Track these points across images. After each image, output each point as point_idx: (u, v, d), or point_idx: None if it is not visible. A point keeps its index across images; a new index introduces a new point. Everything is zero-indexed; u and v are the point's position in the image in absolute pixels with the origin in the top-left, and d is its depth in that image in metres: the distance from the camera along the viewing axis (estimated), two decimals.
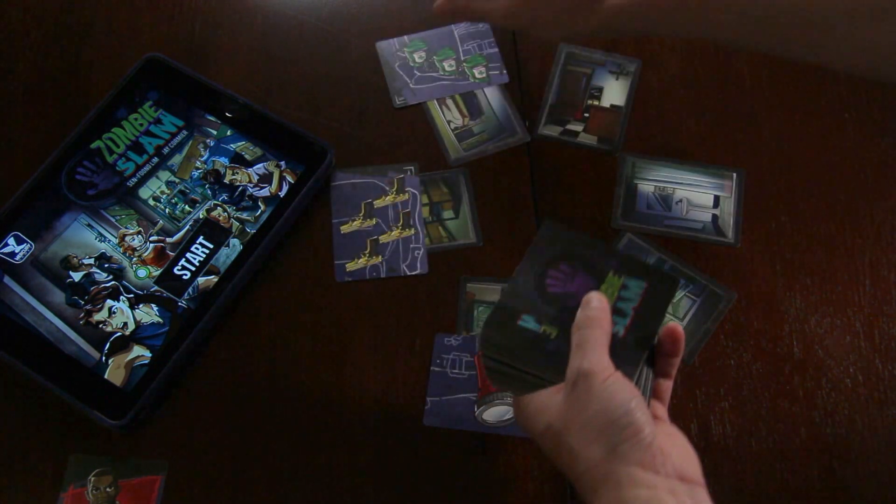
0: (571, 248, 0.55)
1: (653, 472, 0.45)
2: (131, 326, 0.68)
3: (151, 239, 0.71)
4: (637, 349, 0.51)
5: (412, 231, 0.73)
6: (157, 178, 0.73)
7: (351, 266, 0.72)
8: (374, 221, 0.73)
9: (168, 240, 0.71)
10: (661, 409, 0.53)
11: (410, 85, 0.78)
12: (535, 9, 0.61)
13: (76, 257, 0.70)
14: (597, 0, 0.58)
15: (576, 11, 0.59)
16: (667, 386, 0.54)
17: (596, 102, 0.77)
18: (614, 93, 0.78)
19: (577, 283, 0.53)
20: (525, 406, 0.51)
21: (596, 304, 0.51)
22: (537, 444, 0.51)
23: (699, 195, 0.74)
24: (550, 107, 0.77)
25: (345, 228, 0.73)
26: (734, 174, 0.75)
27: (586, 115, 0.77)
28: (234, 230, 0.71)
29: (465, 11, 0.65)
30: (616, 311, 0.52)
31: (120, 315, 0.68)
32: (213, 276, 0.69)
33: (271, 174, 0.73)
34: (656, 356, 0.54)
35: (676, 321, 0.52)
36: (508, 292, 0.54)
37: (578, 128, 0.76)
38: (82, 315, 0.68)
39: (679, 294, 0.70)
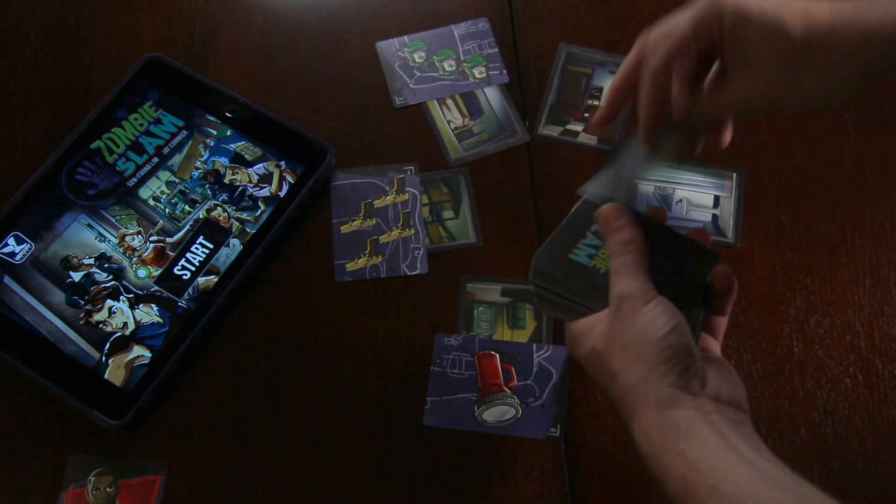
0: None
1: (691, 394, 0.45)
2: (131, 326, 0.68)
3: (151, 239, 0.71)
4: (687, 295, 0.51)
5: (412, 231, 0.73)
6: (157, 178, 0.73)
7: (351, 266, 0.72)
8: (374, 221, 0.73)
9: (168, 240, 0.71)
10: (714, 343, 0.54)
11: (410, 85, 0.78)
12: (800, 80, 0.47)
13: (76, 257, 0.70)
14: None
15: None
16: (721, 321, 0.54)
17: (596, 102, 0.77)
18: None
19: None
20: (571, 330, 0.52)
21: (618, 222, 0.51)
22: (583, 366, 0.52)
23: (699, 195, 0.74)
24: (550, 107, 0.77)
25: (345, 228, 0.73)
26: (734, 174, 0.75)
27: (586, 115, 0.77)
28: (234, 230, 0.71)
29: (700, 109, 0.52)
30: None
31: (120, 315, 0.68)
32: (213, 276, 0.69)
33: (271, 174, 0.73)
34: (709, 296, 0.53)
35: (724, 266, 0.53)
36: (565, 227, 0.54)
37: (578, 128, 0.76)
38: (82, 315, 0.68)
39: None
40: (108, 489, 0.64)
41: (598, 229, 0.54)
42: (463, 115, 0.77)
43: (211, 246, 0.70)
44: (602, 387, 0.50)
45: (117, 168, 0.73)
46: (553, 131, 0.76)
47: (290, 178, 0.73)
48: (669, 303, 0.48)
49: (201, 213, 0.72)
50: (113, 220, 0.71)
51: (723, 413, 0.45)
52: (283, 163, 0.73)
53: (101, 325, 0.68)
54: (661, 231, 0.54)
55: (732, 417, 0.46)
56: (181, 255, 0.70)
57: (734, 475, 0.43)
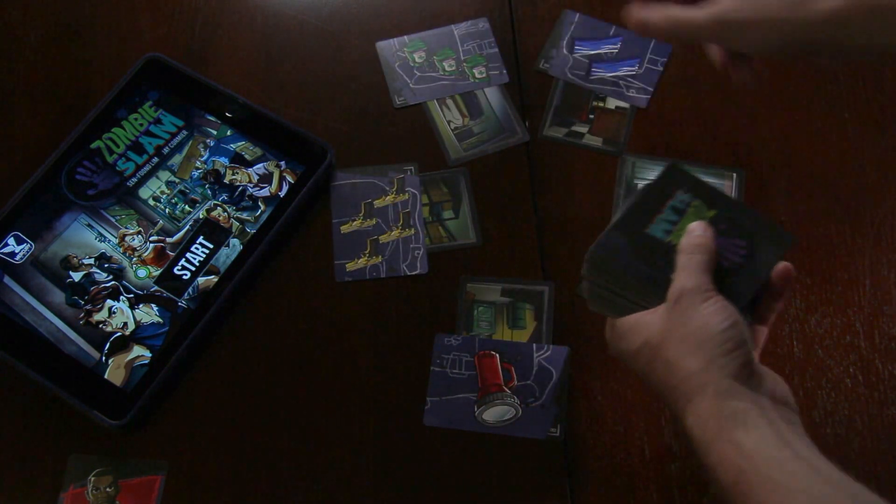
0: (697, 189, 0.55)
1: (749, 388, 0.47)
2: (131, 326, 0.68)
3: (151, 239, 0.71)
4: (744, 289, 0.52)
5: (412, 231, 0.73)
6: (157, 178, 0.73)
7: (351, 266, 0.72)
8: (374, 221, 0.73)
9: (168, 240, 0.71)
10: (755, 353, 0.54)
11: (410, 85, 0.78)
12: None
13: (76, 257, 0.70)
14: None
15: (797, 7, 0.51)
16: (762, 331, 0.54)
17: (601, 104, 0.77)
18: None
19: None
20: (623, 325, 0.52)
21: (700, 233, 0.52)
22: (627, 363, 0.53)
23: None
24: (555, 108, 0.77)
25: (345, 228, 0.73)
26: (734, 174, 0.75)
27: (591, 116, 0.77)
28: (234, 230, 0.71)
29: (665, 22, 0.54)
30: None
31: (120, 315, 0.68)
32: (213, 276, 0.69)
33: (271, 174, 0.73)
34: (760, 299, 0.54)
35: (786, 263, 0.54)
36: (638, 203, 0.55)
37: (584, 129, 0.76)
38: (82, 315, 0.68)
39: None
40: (108, 489, 0.64)
41: (677, 202, 0.54)
42: (463, 115, 0.77)
43: (211, 246, 0.70)
44: (650, 380, 0.51)
45: (117, 168, 0.73)
46: (558, 133, 0.76)
47: (290, 178, 0.73)
48: (728, 301, 0.49)
49: (201, 213, 0.72)
50: (113, 220, 0.71)
51: (778, 411, 0.47)
52: (283, 163, 0.73)
53: (101, 325, 0.68)
54: (738, 210, 0.55)
55: (787, 416, 0.47)
56: (181, 255, 0.70)
57: (789, 468, 0.44)
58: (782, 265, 0.53)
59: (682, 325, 0.49)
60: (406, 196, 0.74)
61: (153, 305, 0.68)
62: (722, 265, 0.52)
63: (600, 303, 0.55)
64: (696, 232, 0.53)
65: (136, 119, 0.74)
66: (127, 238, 0.71)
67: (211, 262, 0.70)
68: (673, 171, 0.56)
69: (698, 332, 0.48)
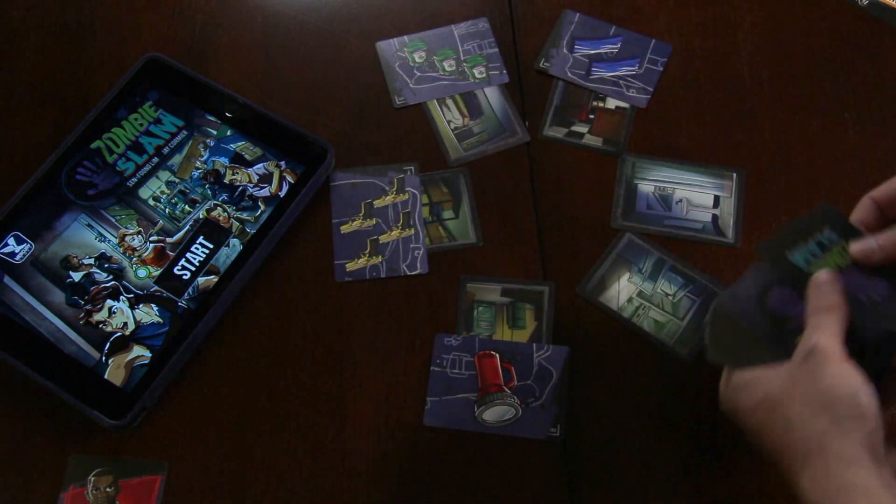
0: (846, 231, 0.54)
1: (873, 459, 0.45)
2: (131, 326, 0.68)
3: (151, 239, 0.71)
4: (876, 359, 0.50)
5: (412, 231, 0.73)
6: (157, 178, 0.73)
7: (351, 266, 0.72)
8: (374, 221, 0.73)
9: (168, 240, 0.71)
10: None
11: (410, 85, 0.78)
12: None
13: (76, 257, 0.70)
14: None
15: None
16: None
17: (601, 104, 0.77)
18: None
19: (801, 309, 0.52)
20: (738, 378, 0.51)
21: (828, 289, 0.50)
22: (739, 419, 0.51)
23: (699, 195, 0.74)
24: (556, 108, 0.77)
25: (345, 228, 0.73)
26: (734, 174, 0.75)
27: (591, 116, 0.77)
28: (234, 230, 0.71)
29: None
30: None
31: (120, 315, 0.68)
32: (213, 276, 0.69)
33: (271, 174, 0.73)
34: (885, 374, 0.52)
35: None
36: (731, 293, 0.53)
37: (584, 129, 0.76)
38: (82, 315, 0.68)
39: (679, 294, 0.70)
40: (108, 489, 0.64)
41: (824, 238, 0.53)
42: (463, 115, 0.77)
43: (211, 246, 0.70)
44: (764, 438, 0.49)
45: (117, 168, 0.73)
46: (558, 133, 0.76)
47: (290, 178, 0.73)
48: (860, 368, 0.47)
49: (201, 213, 0.72)
50: (113, 220, 0.71)
51: None
52: (283, 163, 0.73)
53: (101, 325, 0.68)
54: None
55: None
56: (181, 255, 0.70)
57: None
58: None
59: (809, 384, 0.47)
60: (406, 196, 0.74)
61: (153, 305, 0.68)
62: (859, 299, 0.50)
63: (721, 352, 0.53)
64: (824, 288, 0.50)
65: (136, 119, 0.74)
66: (127, 238, 0.71)
67: (211, 262, 0.70)
68: (826, 211, 0.54)
69: (825, 393, 0.46)
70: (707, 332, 0.54)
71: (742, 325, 0.52)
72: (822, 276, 0.51)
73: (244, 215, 0.72)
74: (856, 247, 0.52)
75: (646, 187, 0.74)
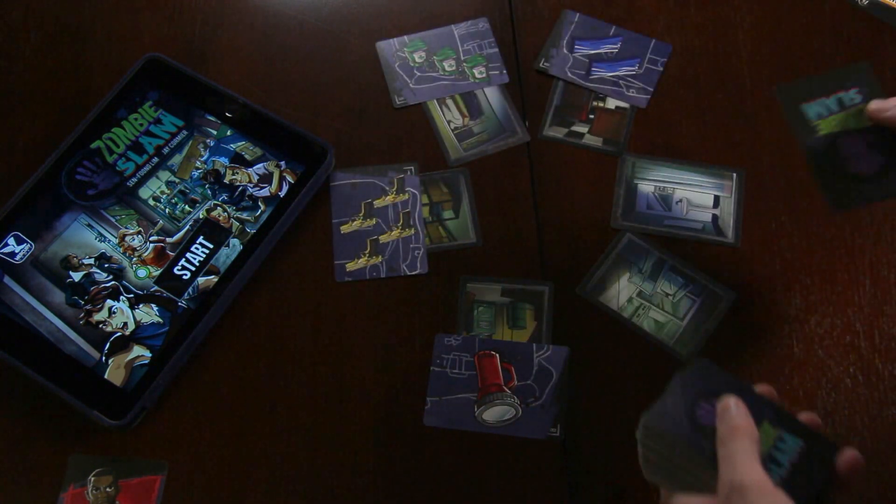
0: (724, 387, 0.51)
1: None
2: (131, 326, 0.68)
3: (151, 239, 0.71)
4: (808, 485, 0.48)
5: (412, 231, 0.73)
6: (157, 178, 0.73)
7: (351, 266, 0.72)
8: (374, 221, 0.73)
9: (168, 240, 0.71)
10: None
11: (410, 85, 0.78)
12: None
13: (76, 257, 0.70)
14: None
15: None
16: None
17: (601, 104, 0.77)
18: None
19: None
20: (677, 502, 0.49)
21: (734, 412, 0.49)
22: None
23: (699, 195, 0.74)
24: (556, 108, 0.77)
25: (345, 228, 0.73)
26: (734, 174, 0.75)
27: (591, 116, 0.77)
28: (234, 230, 0.71)
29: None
30: (771, 460, 0.49)
31: (120, 315, 0.68)
32: (213, 276, 0.69)
33: (271, 174, 0.73)
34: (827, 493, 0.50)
35: (854, 450, 0.48)
36: (658, 410, 0.51)
37: (584, 129, 0.76)
38: (82, 315, 0.68)
39: (679, 294, 0.70)
40: (108, 489, 0.64)
41: (847, 98, 0.54)
42: (463, 115, 0.77)
43: (211, 246, 0.70)
44: None
45: (117, 168, 0.73)
46: (558, 133, 0.76)
47: (290, 178, 0.73)
48: (786, 497, 0.45)
49: (201, 213, 0.72)
50: (113, 220, 0.71)
51: None
52: (283, 163, 0.73)
53: (101, 325, 0.68)
54: (778, 414, 0.50)
55: None
56: (181, 255, 0.70)
57: None
58: (849, 452, 0.48)
59: None
60: (406, 196, 0.74)
61: (153, 305, 0.68)
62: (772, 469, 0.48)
63: (655, 472, 0.51)
64: (730, 411, 0.49)
65: (136, 119, 0.74)
66: (127, 238, 0.71)
67: (211, 262, 0.70)
68: (862, 69, 0.55)
69: None
70: (639, 451, 0.52)
71: (673, 441, 0.49)
72: (728, 401, 0.50)
73: (244, 215, 0.72)
74: (874, 104, 0.54)
75: (646, 187, 0.74)
